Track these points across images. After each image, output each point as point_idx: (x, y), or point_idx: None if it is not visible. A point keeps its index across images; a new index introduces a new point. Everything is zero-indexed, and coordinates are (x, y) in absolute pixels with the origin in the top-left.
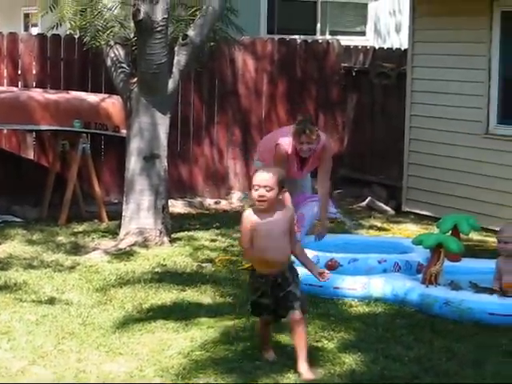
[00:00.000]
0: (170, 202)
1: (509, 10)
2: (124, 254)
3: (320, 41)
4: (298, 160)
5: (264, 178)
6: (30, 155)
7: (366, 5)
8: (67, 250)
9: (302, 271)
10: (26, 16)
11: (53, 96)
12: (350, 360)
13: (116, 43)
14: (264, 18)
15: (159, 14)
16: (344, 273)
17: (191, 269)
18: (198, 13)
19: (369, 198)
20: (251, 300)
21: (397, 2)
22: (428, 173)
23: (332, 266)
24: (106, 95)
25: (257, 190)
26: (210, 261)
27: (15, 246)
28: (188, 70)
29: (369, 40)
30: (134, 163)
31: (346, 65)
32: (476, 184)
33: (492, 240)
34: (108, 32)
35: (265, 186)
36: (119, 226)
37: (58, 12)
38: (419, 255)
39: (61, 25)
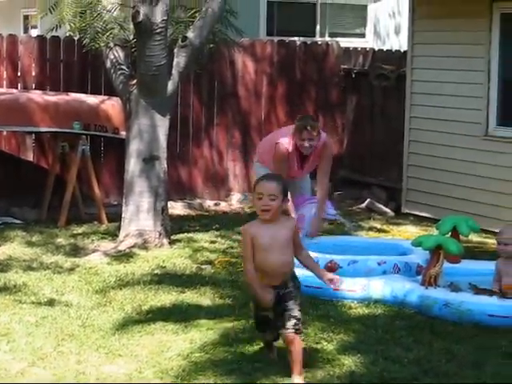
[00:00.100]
0: (170, 203)
1: (508, 11)
2: (123, 256)
3: (319, 43)
4: (299, 158)
5: (269, 187)
6: (30, 157)
7: (365, 6)
8: (67, 252)
9: (301, 272)
10: (26, 18)
11: (52, 98)
12: (349, 362)
13: (115, 45)
14: (263, 19)
15: (158, 16)
16: (343, 275)
17: (191, 270)
18: (197, 15)
19: (368, 200)
20: (255, 315)
21: (396, 3)
22: (427, 174)
23: (331, 268)
24: (106, 97)
25: (261, 198)
26: (210, 262)
27: (15, 247)
28: (187, 72)
29: (368, 42)
30: (133, 165)
31: (345, 67)
32: (475, 186)
33: (491, 242)
34: (107, 34)
35: (269, 195)
36: (119, 228)
37: (57, 14)
38: (419, 257)
39: (60, 27)
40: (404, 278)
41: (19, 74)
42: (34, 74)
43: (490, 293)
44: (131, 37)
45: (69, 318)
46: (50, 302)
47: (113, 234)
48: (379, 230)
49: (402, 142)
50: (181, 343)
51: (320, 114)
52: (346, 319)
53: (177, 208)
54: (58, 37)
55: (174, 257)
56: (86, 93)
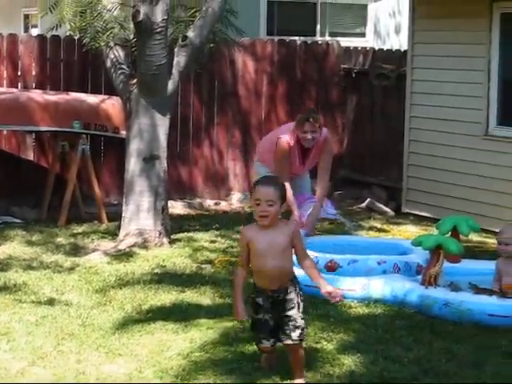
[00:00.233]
0: (170, 203)
1: (508, 11)
2: (123, 255)
3: (320, 42)
4: (300, 153)
5: (266, 192)
6: (30, 156)
7: (365, 6)
8: (67, 251)
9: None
10: (26, 17)
11: (52, 97)
12: (349, 361)
13: (116, 44)
14: (264, 19)
15: (159, 16)
16: (343, 274)
17: (191, 270)
18: (197, 14)
19: (368, 200)
20: (251, 316)
21: (396, 3)
22: (427, 174)
23: (331, 267)
24: (106, 96)
25: (258, 204)
26: (210, 262)
27: (15, 247)
28: (188, 72)
29: (368, 41)
30: (133, 164)
31: (345, 66)
32: (475, 185)
33: (492, 241)
34: (108, 33)
35: (267, 201)
36: (119, 227)
37: (57, 13)
38: (419, 256)
39: (60, 26)
40: (404, 277)
41: (19, 73)
42: (34, 73)
43: (490, 292)
44: (131, 36)
45: (69, 317)
46: (50, 302)
47: (113, 234)
48: (379, 230)
49: (402, 142)
50: (181, 342)
51: (320, 113)
52: (345, 319)
53: (177, 207)
54: (58, 36)
55: (174, 256)
56: (86, 92)
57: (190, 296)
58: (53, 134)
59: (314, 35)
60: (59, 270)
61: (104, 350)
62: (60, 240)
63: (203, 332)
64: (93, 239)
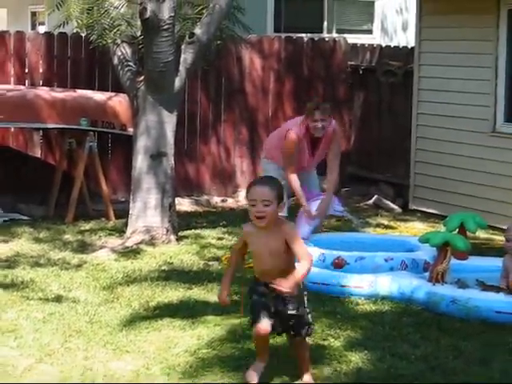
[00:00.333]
0: (177, 200)
1: None
2: (131, 252)
3: (327, 39)
4: (310, 145)
5: (262, 192)
6: (37, 153)
7: (372, 3)
8: (74, 248)
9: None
10: (34, 14)
11: (59, 94)
12: (356, 358)
13: (123, 41)
14: (271, 16)
15: (166, 13)
16: (351, 271)
17: (198, 267)
18: (204, 11)
19: (376, 196)
20: (250, 299)
21: (403, 0)
22: (435, 171)
23: (339, 264)
24: (113, 93)
25: (254, 205)
26: (217, 259)
27: (22, 244)
28: (195, 69)
29: (375, 38)
30: (140, 161)
31: (352, 63)
32: (483, 182)
33: (499, 238)
34: (115, 30)
35: (263, 201)
36: (126, 225)
37: (64, 10)
38: (426, 253)
39: (68, 23)
40: (411, 274)
41: (27, 70)
42: (41, 70)
43: (498, 289)
44: (138, 33)
45: (76, 314)
46: (58, 299)
47: (120, 231)
48: (386, 227)
49: (409, 139)
50: (188, 339)
51: None
52: (353, 316)
53: (184, 204)
54: (65, 33)
55: (182, 253)
56: (93, 89)
57: (198, 293)
58: (60, 131)
59: (321, 32)
60: (66, 267)
61: (111, 346)
62: (67, 237)
63: (210, 329)
64: (100, 236)
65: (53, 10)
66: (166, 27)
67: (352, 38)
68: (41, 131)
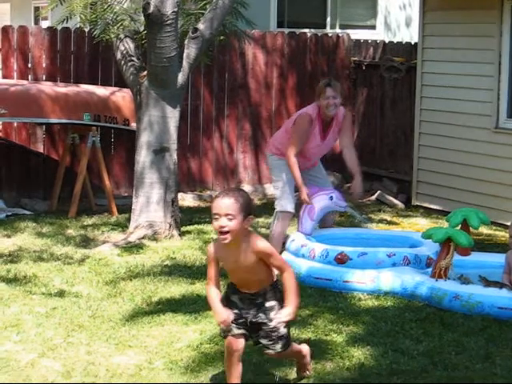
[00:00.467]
0: (180, 195)
1: None
2: (133, 247)
3: (330, 34)
4: (321, 127)
5: (224, 204)
6: (40, 148)
7: None
8: (77, 243)
9: (306, 264)
10: (37, 9)
11: (63, 89)
12: (358, 354)
13: (126, 36)
14: (274, 11)
15: (169, 8)
16: (353, 266)
17: (200, 262)
18: (207, 6)
19: (378, 192)
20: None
21: None
22: (438, 167)
23: (341, 260)
24: (116, 88)
25: (217, 219)
26: None
27: (25, 238)
28: (198, 64)
29: (379, 34)
30: (143, 156)
31: (355, 59)
32: (485, 178)
33: (502, 234)
34: (118, 25)
35: (226, 215)
36: (129, 219)
37: (68, 5)
38: (429, 249)
39: (71, 18)
40: (414, 270)
41: (30, 65)
42: (44, 65)
43: (500, 285)
44: (142, 28)
45: (79, 308)
46: (60, 293)
47: (123, 226)
48: (389, 222)
49: (412, 135)
50: (190, 334)
51: None
52: (355, 311)
53: (187, 199)
54: (68, 28)
55: (184, 248)
56: (96, 84)
57: (200, 288)
58: (63, 125)
59: (325, 28)
60: (69, 262)
61: (114, 341)
62: (70, 232)
63: (213, 324)
64: (103, 231)
65: (56, 4)
66: (169, 22)
67: (355, 34)
68: (44, 126)
